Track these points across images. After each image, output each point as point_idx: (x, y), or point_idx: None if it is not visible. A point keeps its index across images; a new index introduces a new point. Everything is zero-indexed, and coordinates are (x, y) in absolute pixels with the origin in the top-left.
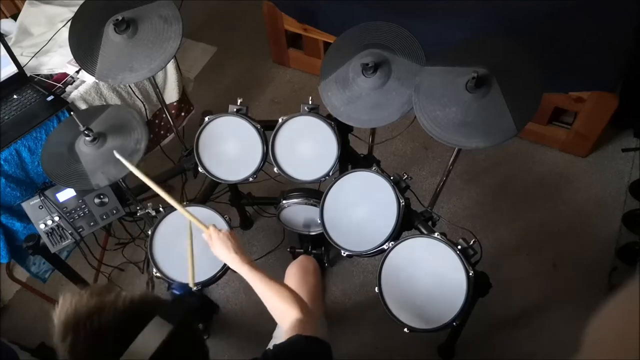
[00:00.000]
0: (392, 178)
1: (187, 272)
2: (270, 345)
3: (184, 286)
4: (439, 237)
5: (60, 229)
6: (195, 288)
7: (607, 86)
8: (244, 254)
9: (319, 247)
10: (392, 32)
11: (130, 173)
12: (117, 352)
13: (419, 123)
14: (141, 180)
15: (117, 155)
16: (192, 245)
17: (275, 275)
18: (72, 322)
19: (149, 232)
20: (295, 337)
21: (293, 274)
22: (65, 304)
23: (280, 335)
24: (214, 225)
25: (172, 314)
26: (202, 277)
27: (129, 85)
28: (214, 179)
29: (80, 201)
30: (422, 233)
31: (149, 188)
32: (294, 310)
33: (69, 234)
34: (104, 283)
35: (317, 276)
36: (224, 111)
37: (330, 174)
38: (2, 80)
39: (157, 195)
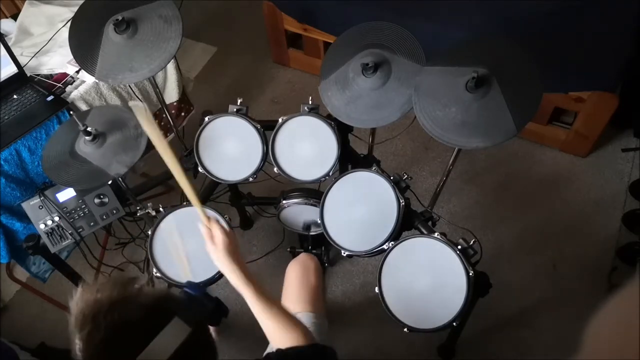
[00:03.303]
0: (392, 178)
1: (182, 267)
2: (270, 349)
3: (199, 286)
4: (439, 237)
5: (60, 229)
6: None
7: (607, 86)
8: (243, 265)
9: (319, 247)
10: (392, 32)
11: (131, 172)
12: (136, 349)
13: (419, 123)
14: (141, 180)
15: (131, 105)
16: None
17: (275, 276)
18: (92, 312)
19: (149, 232)
20: (297, 346)
21: (294, 273)
22: (86, 292)
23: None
24: (219, 222)
25: (191, 316)
26: (202, 277)
27: (129, 85)
28: (214, 179)
29: (80, 201)
30: (422, 233)
31: (149, 188)
32: (295, 339)
33: (69, 234)
34: (125, 274)
35: (318, 275)
36: (224, 111)
37: (330, 174)
38: (2, 80)
39: (157, 195)
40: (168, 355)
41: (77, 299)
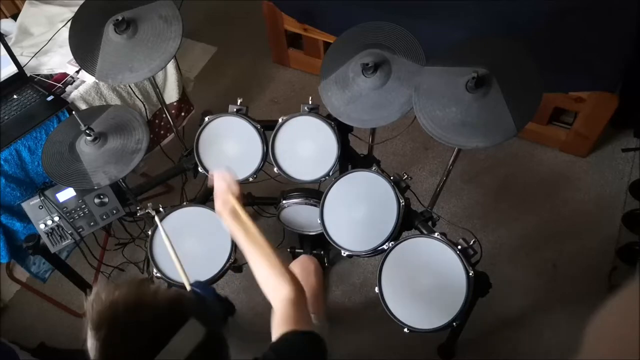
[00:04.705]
0: (392, 178)
1: (181, 277)
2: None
3: (207, 286)
4: (439, 237)
5: (60, 229)
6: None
7: (607, 86)
8: (243, 213)
9: (319, 247)
10: (392, 32)
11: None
12: (153, 350)
13: (419, 123)
14: (141, 180)
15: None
16: (175, 251)
17: None
18: (109, 313)
19: (149, 232)
20: (290, 335)
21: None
22: (102, 293)
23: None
24: (225, 171)
25: (206, 317)
26: (202, 277)
27: (129, 85)
28: None
29: (80, 201)
30: (422, 233)
31: (149, 188)
32: (286, 287)
33: (69, 234)
34: (140, 276)
35: (318, 276)
36: (224, 111)
37: (330, 174)
38: (2, 80)
39: (157, 195)
40: (185, 356)
41: (93, 300)
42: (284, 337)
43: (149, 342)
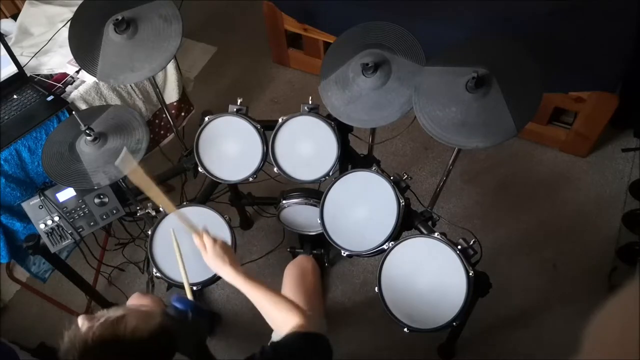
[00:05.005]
0: (392, 178)
1: (184, 284)
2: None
3: (186, 300)
4: (439, 237)
5: (60, 229)
6: (195, 288)
7: (607, 86)
8: (238, 265)
9: (319, 247)
10: (392, 32)
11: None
12: None
13: (419, 123)
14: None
15: (123, 154)
16: (181, 256)
17: (275, 276)
18: (80, 351)
19: (149, 232)
20: (292, 334)
21: (290, 275)
22: (77, 330)
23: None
24: (207, 232)
25: (191, 344)
26: (201, 277)
27: (129, 85)
28: (214, 179)
29: (80, 201)
30: (422, 233)
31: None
32: (294, 317)
33: (69, 234)
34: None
35: (315, 276)
36: (224, 111)
37: (330, 174)
38: (2, 80)
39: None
40: None
41: (66, 349)
42: (286, 336)
43: None
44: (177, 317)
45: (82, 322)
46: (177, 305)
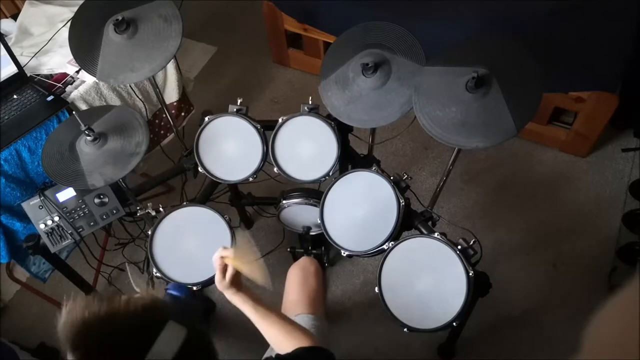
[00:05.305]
0: (392, 178)
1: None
2: (270, 352)
3: (181, 287)
4: (439, 237)
5: (60, 229)
6: (195, 288)
7: (607, 86)
8: (248, 290)
9: (319, 247)
10: (392, 32)
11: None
12: (136, 359)
13: (419, 123)
14: (141, 180)
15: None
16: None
17: (276, 276)
18: (84, 331)
19: (149, 232)
20: (299, 348)
21: (294, 277)
22: (72, 313)
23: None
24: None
25: (185, 318)
26: (201, 277)
27: (129, 85)
28: (214, 179)
29: (80, 201)
30: (422, 233)
31: (149, 188)
32: (301, 342)
33: (69, 234)
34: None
35: (318, 278)
36: (224, 111)
37: (330, 174)
38: (2, 80)
39: (157, 195)
40: (170, 358)
41: (64, 321)
42: (294, 351)
43: (129, 352)
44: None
45: (74, 301)
46: (173, 292)
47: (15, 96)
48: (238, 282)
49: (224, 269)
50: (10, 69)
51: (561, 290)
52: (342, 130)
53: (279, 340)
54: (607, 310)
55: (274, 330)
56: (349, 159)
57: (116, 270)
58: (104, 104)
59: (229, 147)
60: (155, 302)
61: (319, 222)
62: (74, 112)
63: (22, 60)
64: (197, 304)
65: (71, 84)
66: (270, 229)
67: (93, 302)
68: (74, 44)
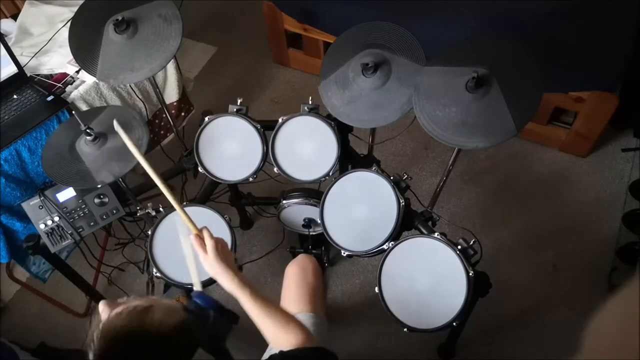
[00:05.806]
0: (392, 178)
1: (190, 273)
2: (270, 351)
3: (208, 298)
4: (439, 237)
5: (60, 229)
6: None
7: (607, 86)
8: (239, 272)
9: (319, 247)
10: (392, 32)
11: (131, 171)
12: None
13: (419, 123)
14: (141, 180)
15: (117, 127)
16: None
17: (276, 276)
18: (111, 346)
19: (149, 232)
20: (302, 348)
21: (292, 274)
22: (104, 325)
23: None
24: (209, 232)
25: (212, 342)
26: (202, 277)
27: (129, 85)
28: (214, 179)
29: (80, 201)
30: (422, 233)
31: (149, 188)
32: (299, 339)
33: (69, 234)
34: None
35: (316, 275)
36: (224, 111)
37: (330, 174)
38: (2, 80)
39: (157, 195)
40: None
41: (95, 333)
42: (295, 350)
43: None
44: (197, 313)
45: (102, 307)
46: (199, 301)
47: (15, 96)
48: (229, 261)
49: (202, 244)
50: (10, 69)
51: (561, 290)
52: (342, 130)
53: (275, 333)
54: (607, 310)
55: (271, 321)
56: (349, 159)
57: (116, 270)
58: (104, 104)
59: (229, 147)
60: (186, 324)
61: (319, 222)
62: (73, 112)
63: (22, 60)
64: (224, 321)
65: (71, 84)
66: (270, 229)
67: (126, 313)
68: (74, 44)
